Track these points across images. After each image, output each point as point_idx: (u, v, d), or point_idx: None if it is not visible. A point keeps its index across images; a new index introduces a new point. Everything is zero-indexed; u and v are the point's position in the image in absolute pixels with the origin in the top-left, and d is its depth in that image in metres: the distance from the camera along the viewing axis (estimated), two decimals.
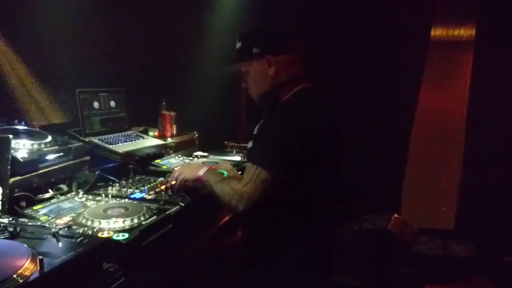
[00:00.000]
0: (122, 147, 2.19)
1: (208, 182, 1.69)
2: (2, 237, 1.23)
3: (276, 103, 1.74)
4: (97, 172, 1.97)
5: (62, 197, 1.73)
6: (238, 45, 1.79)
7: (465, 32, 3.87)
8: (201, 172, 1.71)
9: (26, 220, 1.42)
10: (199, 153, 2.75)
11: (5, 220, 1.31)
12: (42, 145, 1.75)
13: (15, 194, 1.56)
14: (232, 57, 1.86)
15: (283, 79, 1.71)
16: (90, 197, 1.78)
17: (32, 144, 1.71)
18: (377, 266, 2.40)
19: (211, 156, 2.71)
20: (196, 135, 2.93)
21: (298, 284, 1.67)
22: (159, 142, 2.49)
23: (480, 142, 3.39)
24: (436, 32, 3.80)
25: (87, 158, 1.94)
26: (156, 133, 2.70)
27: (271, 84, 1.72)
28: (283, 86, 1.72)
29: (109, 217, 1.48)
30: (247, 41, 1.77)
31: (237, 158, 2.70)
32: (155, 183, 1.99)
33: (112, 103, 2.41)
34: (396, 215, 2.59)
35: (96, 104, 2.30)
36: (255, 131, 1.76)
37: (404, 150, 3.59)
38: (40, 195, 1.69)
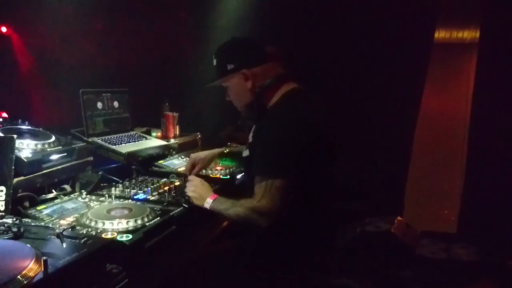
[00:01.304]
0: (125, 148, 2.19)
1: (218, 211, 1.67)
2: (6, 237, 1.22)
3: (263, 108, 1.74)
4: (100, 173, 1.97)
5: (65, 198, 1.73)
6: (214, 62, 1.80)
7: (469, 34, 3.86)
8: (207, 205, 1.68)
9: (29, 221, 1.42)
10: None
11: (9, 220, 1.30)
12: (46, 145, 1.74)
13: (19, 194, 1.56)
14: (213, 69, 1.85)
15: (265, 83, 1.71)
16: (93, 197, 1.77)
17: (36, 144, 1.71)
18: (380, 269, 2.39)
19: None
20: (199, 135, 2.92)
21: (300, 286, 1.66)
22: (162, 142, 2.48)
23: (483, 144, 3.36)
24: (440, 34, 3.79)
25: (90, 158, 1.94)
26: (159, 134, 2.70)
27: (252, 94, 1.73)
28: (267, 89, 1.72)
29: (112, 218, 1.48)
30: (221, 58, 1.77)
31: None
32: (158, 184, 1.98)
33: (116, 104, 2.41)
34: (399, 218, 2.58)
35: (99, 105, 2.30)
36: (250, 139, 1.74)
37: (406, 152, 3.58)
38: (43, 196, 1.69)
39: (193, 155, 2.15)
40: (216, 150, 2.21)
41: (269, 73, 1.72)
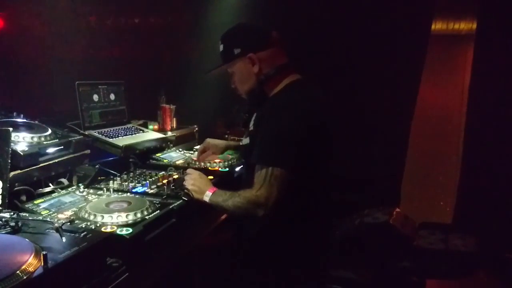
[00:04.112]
0: (122, 141, 2.17)
1: (216, 203, 1.65)
2: (4, 232, 1.21)
3: (265, 96, 1.73)
4: (97, 166, 1.94)
5: (63, 191, 1.71)
6: (220, 47, 1.78)
7: (465, 25, 3.85)
8: (206, 198, 1.67)
9: (27, 215, 1.40)
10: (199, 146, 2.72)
11: (6, 215, 1.28)
12: (42, 138, 1.71)
13: (15, 188, 1.53)
14: (217, 56, 1.83)
15: (270, 72, 1.70)
16: (91, 191, 1.76)
17: (32, 137, 1.68)
18: (378, 260, 2.40)
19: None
20: (196, 128, 2.90)
21: (298, 277, 1.66)
22: (160, 135, 2.46)
23: (479, 136, 3.38)
24: (436, 26, 3.78)
25: (87, 151, 1.91)
26: (155, 127, 2.68)
27: (257, 80, 1.72)
28: (271, 78, 1.71)
29: (112, 211, 1.46)
30: (227, 42, 1.76)
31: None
32: (156, 177, 1.97)
33: (112, 96, 2.38)
34: (397, 209, 2.59)
35: (95, 97, 2.27)
36: (251, 127, 1.73)
37: (403, 144, 3.58)
38: (40, 189, 1.67)
39: (208, 140, 2.25)
40: (233, 142, 2.23)
41: (275, 60, 1.71)
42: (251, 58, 1.68)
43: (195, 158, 2.37)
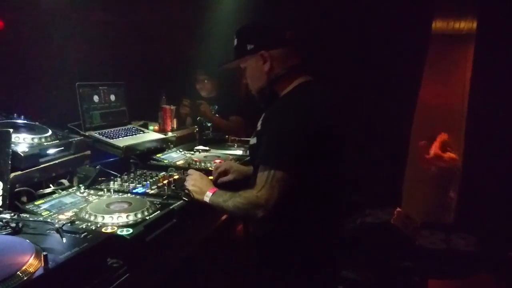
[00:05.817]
0: (122, 141, 2.17)
1: (217, 204, 1.65)
2: (5, 233, 1.20)
3: (275, 96, 1.72)
4: (97, 167, 1.94)
5: (64, 192, 1.70)
6: (235, 42, 1.79)
7: (466, 25, 3.85)
8: (206, 199, 1.67)
9: (28, 216, 1.40)
10: (200, 147, 2.72)
11: (7, 216, 1.28)
12: (43, 139, 1.72)
13: (16, 189, 1.53)
14: (231, 50, 1.84)
15: (280, 72, 1.70)
16: (91, 192, 1.75)
17: (33, 138, 1.68)
18: (380, 260, 2.39)
19: (212, 151, 2.68)
20: (197, 129, 2.90)
21: (300, 278, 1.66)
22: (160, 136, 2.46)
23: (481, 135, 3.37)
24: (437, 25, 3.78)
25: (88, 152, 1.91)
26: (156, 127, 2.68)
27: (267, 79, 1.71)
28: (281, 79, 1.70)
29: (112, 212, 1.46)
30: (241, 38, 1.76)
31: (239, 152, 2.68)
32: (157, 177, 1.96)
33: (112, 97, 2.38)
34: (399, 209, 2.58)
35: (96, 98, 2.27)
36: (259, 127, 1.72)
37: (404, 144, 3.58)
38: (41, 190, 1.67)
39: (232, 163, 2.10)
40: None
41: (287, 60, 1.70)
42: (263, 55, 1.68)
43: (195, 159, 2.37)
